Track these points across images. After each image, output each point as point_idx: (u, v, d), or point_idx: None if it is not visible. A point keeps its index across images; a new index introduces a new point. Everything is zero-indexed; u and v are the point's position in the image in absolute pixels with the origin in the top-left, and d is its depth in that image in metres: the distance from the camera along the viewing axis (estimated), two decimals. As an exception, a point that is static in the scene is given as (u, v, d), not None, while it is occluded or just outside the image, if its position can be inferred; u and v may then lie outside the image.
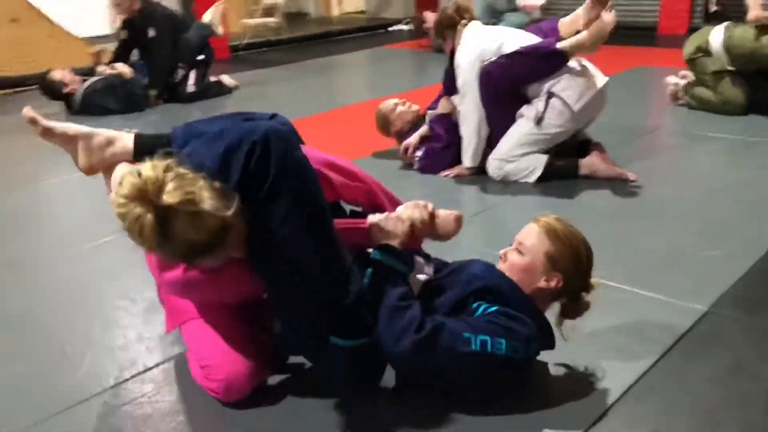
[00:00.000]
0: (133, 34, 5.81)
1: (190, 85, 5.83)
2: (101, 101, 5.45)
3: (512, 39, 3.40)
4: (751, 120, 4.35)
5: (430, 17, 8.04)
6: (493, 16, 7.18)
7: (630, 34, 8.41)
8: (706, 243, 2.68)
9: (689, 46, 4.57)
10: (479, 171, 3.54)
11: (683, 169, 3.69)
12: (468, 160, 3.53)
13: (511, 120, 3.44)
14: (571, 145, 3.53)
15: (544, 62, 3.29)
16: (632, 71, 6.22)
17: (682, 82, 4.76)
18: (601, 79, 3.37)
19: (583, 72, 3.35)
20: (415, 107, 3.93)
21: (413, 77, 7.23)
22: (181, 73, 5.82)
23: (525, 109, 3.40)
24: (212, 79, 6.14)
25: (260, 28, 9.47)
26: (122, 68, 5.68)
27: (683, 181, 3.45)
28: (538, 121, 3.33)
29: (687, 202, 3.13)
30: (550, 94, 3.32)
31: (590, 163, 3.38)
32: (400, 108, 3.89)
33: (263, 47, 8.96)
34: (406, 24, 10.04)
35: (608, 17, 3.20)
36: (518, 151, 3.40)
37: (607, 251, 2.18)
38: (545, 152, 3.42)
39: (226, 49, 8.22)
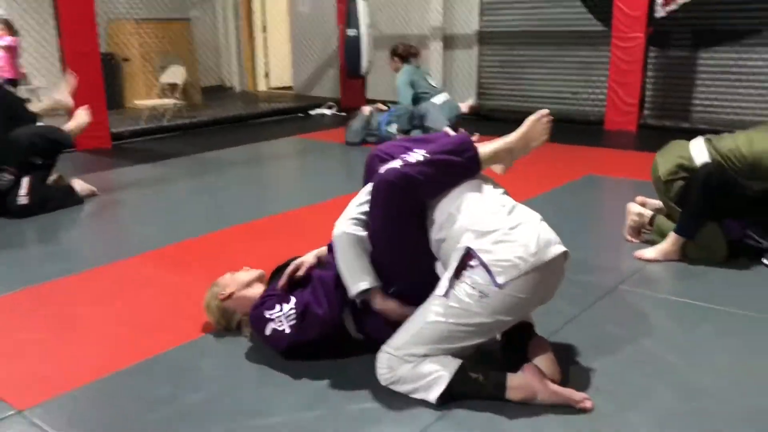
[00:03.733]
0: None
1: (22, 197, 4.45)
2: None
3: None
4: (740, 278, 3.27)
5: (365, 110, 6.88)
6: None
7: (573, 129, 7.47)
8: None
9: (667, 163, 3.38)
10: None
11: (666, 370, 2.39)
12: (349, 288, 2.23)
13: (409, 254, 2.25)
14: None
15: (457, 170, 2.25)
16: (581, 182, 5.16)
17: (648, 213, 3.67)
18: (554, 248, 2.11)
19: (524, 228, 2.11)
20: (255, 273, 2.64)
21: (340, 184, 5.22)
22: (6, 178, 4.46)
23: (439, 267, 2.22)
24: (71, 182, 4.84)
25: (156, 110, 8.23)
26: None
27: (662, 396, 2.21)
28: (446, 292, 2.11)
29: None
30: (468, 252, 2.09)
31: (523, 384, 2.12)
32: (237, 294, 2.58)
33: (156, 134, 7.69)
34: (329, 108, 8.90)
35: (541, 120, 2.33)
36: (420, 350, 2.14)
37: None
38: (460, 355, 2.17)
39: (107, 138, 6.95)
